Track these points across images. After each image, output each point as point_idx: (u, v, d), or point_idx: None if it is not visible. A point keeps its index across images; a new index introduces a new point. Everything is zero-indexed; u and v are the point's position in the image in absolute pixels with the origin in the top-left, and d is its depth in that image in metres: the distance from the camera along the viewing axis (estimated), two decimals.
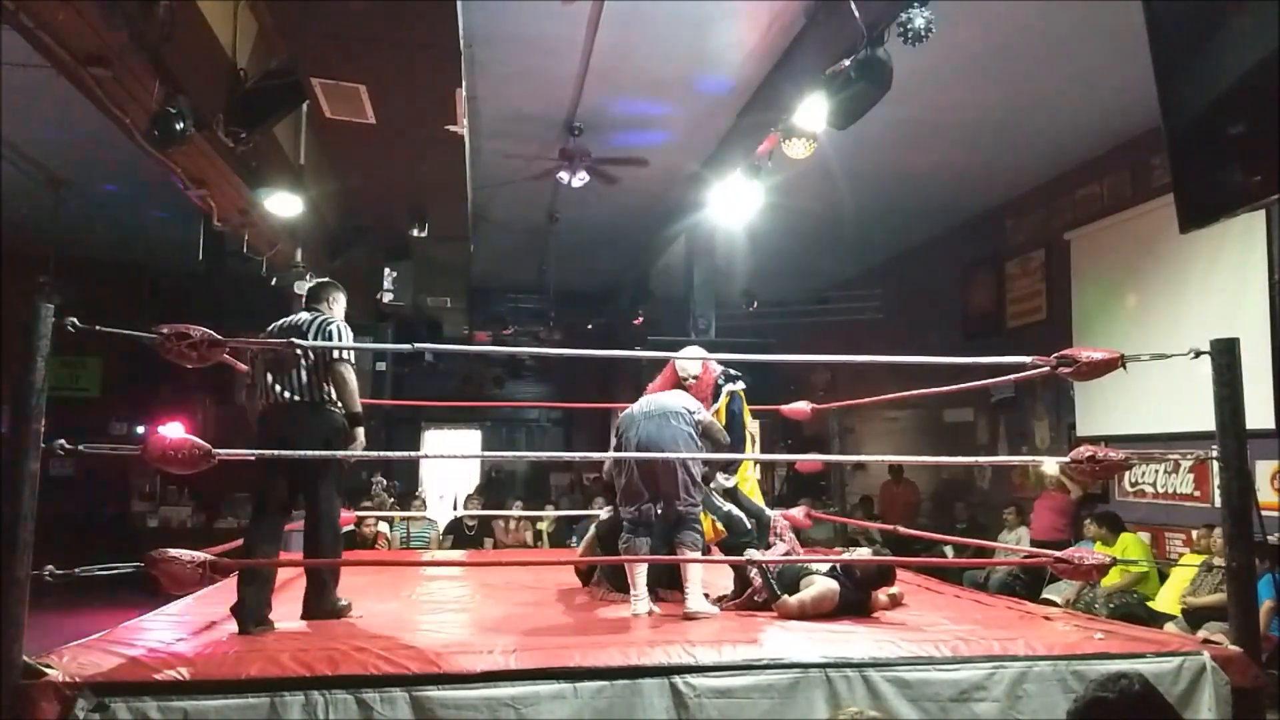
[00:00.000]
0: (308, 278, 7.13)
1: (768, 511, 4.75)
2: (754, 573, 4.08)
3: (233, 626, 3.47)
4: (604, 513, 5.05)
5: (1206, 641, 3.55)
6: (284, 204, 6.15)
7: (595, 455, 4.70)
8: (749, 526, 4.48)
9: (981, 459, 9.54)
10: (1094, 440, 6.72)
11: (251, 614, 3.45)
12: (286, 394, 3.75)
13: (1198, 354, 3.37)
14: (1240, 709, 3.11)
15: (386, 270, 8.83)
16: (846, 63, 4.89)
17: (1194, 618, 5.46)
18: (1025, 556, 6.72)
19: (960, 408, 10.14)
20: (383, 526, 8.39)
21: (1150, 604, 6.19)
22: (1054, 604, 6.02)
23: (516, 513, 10.19)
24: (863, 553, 4.51)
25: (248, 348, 3.95)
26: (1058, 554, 3.73)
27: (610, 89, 6.81)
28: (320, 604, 3.73)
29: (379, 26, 5.06)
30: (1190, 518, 6.82)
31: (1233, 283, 6.49)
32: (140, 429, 10.74)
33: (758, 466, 5.43)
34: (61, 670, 2.67)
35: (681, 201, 8.89)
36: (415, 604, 4.34)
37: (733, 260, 10.08)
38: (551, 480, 14.43)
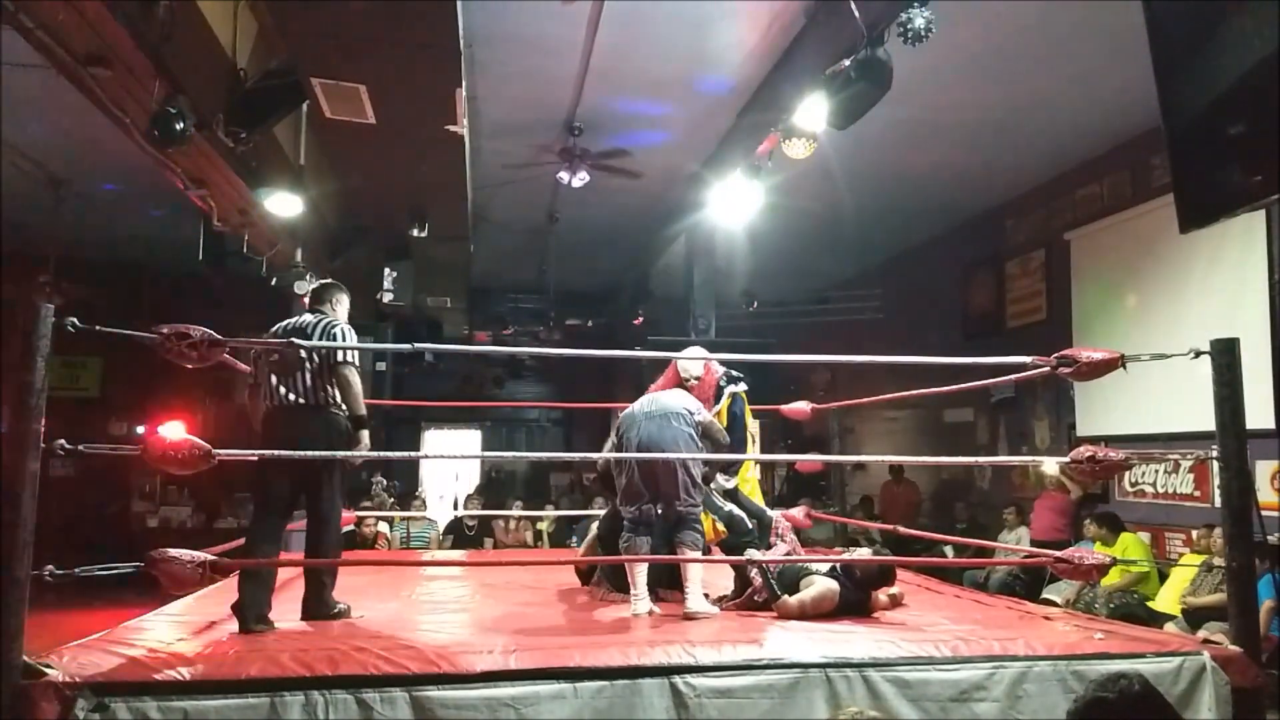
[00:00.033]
0: (308, 278, 7.14)
1: (769, 512, 4.75)
2: (754, 573, 4.08)
3: (233, 626, 3.47)
4: (604, 512, 5.06)
5: (1206, 641, 3.55)
6: (284, 204, 6.15)
7: (595, 455, 4.70)
8: (750, 526, 4.48)
9: (981, 459, 9.54)
10: (1094, 440, 6.72)
11: (252, 611, 3.46)
12: (291, 396, 3.75)
13: (1198, 354, 3.38)
14: (1240, 709, 3.11)
15: (386, 270, 8.83)
16: (846, 63, 4.89)
17: (1194, 618, 5.46)
18: (1025, 556, 6.72)
19: (960, 408, 10.14)
20: (383, 526, 8.39)
21: (1150, 604, 6.19)
22: (1054, 604, 6.03)
23: (516, 513, 10.19)
24: (863, 553, 4.51)
25: (251, 349, 3.96)
26: (1058, 554, 3.73)
27: (610, 89, 6.81)
28: (320, 605, 3.73)
29: (379, 26, 5.06)
30: (1190, 518, 6.82)
31: (1233, 283, 6.49)
32: (140, 429, 10.74)
33: (758, 466, 5.43)
34: (61, 670, 2.67)
35: (681, 201, 8.89)
36: (415, 604, 4.34)
37: (733, 260, 10.08)
38: (551, 480, 14.43)
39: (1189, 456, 6.23)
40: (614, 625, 3.82)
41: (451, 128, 6.28)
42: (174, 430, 8.86)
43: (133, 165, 6.58)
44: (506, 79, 6.66)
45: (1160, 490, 7.38)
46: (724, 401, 4.94)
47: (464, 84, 5.75)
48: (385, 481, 10.20)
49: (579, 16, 5.74)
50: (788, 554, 4.53)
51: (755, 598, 4.10)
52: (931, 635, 3.38)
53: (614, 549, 4.40)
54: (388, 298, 8.84)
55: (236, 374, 4.66)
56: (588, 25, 5.84)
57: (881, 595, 4.01)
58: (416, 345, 4.23)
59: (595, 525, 5.18)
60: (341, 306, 4.09)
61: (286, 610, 3.68)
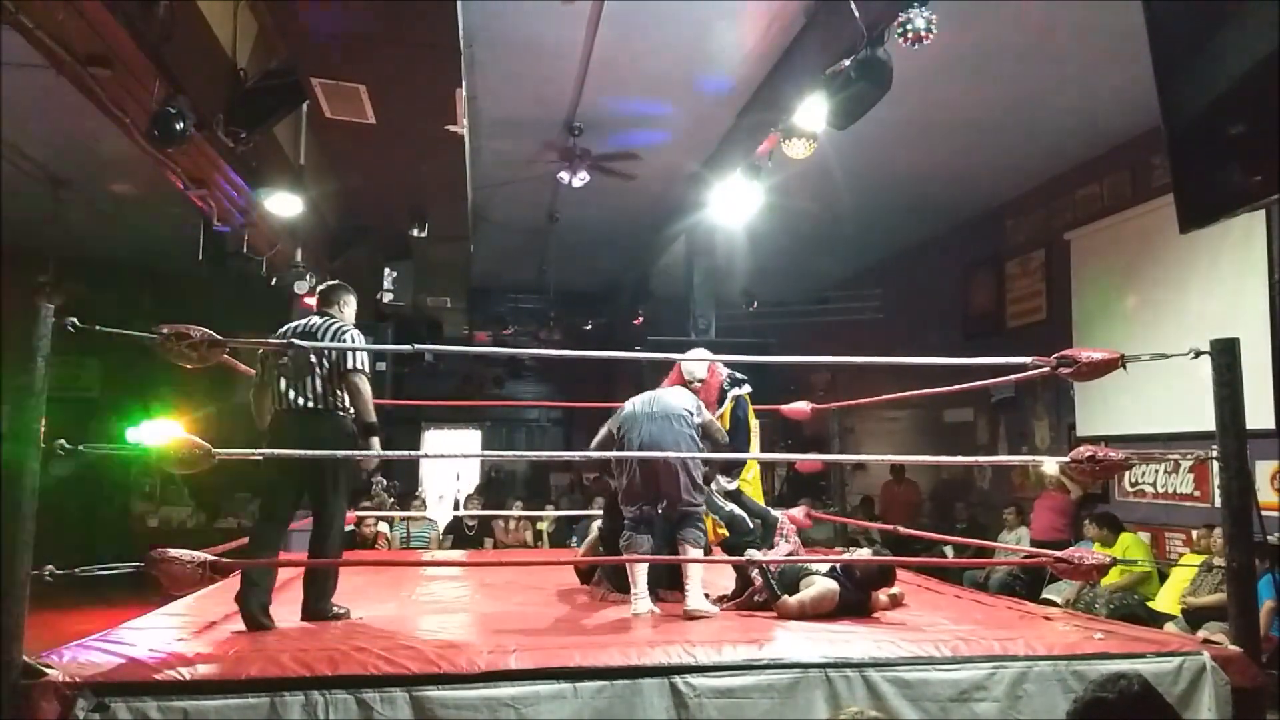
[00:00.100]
0: (308, 278, 7.14)
1: (773, 512, 4.75)
2: (754, 573, 4.08)
3: (232, 626, 3.47)
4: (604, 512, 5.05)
5: (1206, 641, 3.55)
6: (284, 204, 6.14)
7: (595, 455, 4.69)
8: (750, 526, 4.48)
9: (981, 459, 9.53)
10: (1094, 440, 6.72)
11: (255, 601, 3.47)
12: (299, 400, 3.74)
13: (1198, 354, 3.37)
14: (1240, 709, 3.11)
15: (386, 270, 8.83)
16: (846, 63, 4.89)
17: (1194, 618, 5.45)
18: (1025, 556, 6.72)
19: (960, 408, 10.14)
20: (383, 526, 8.39)
21: (1150, 604, 6.19)
22: (1054, 604, 6.03)
23: (516, 513, 10.19)
24: (863, 553, 4.51)
25: (257, 350, 3.96)
26: (1058, 554, 3.73)
27: (610, 89, 6.81)
28: (320, 608, 3.72)
29: (379, 26, 5.06)
30: (1190, 518, 6.82)
31: (1233, 283, 6.49)
32: (140, 429, 10.74)
33: (758, 466, 5.43)
34: (61, 670, 2.67)
35: (681, 201, 8.89)
36: (415, 604, 4.35)
37: (733, 260, 10.08)
38: (551, 480, 14.43)
39: (1189, 456, 6.23)
40: (614, 625, 3.82)
41: (451, 128, 6.29)
42: (174, 430, 8.86)
43: (132, 165, 6.58)
44: (506, 79, 6.66)
45: (1160, 490, 7.38)
46: (727, 405, 4.93)
47: (464, 84, 5.76)
48: (385, 481, 10.19)
49: (579, 16, 5.74)
50: (790, 554, 4.53)
51: (755, 598, 4.10)
52: (931, 635, 3.37)
53: (615, 548, 4.40)
54: (388, 298, 8.84)
55: (236, 374, 4.66)
56: (588, 25, 5.84)
57: (881, 595, 4.01)
58: (416, 345, 4.23)
59: (595, 525, 5.18)
60: (349, 308, 4.09)
61: (286, 611, 3.68)
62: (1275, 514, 5.67)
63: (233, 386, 10.34)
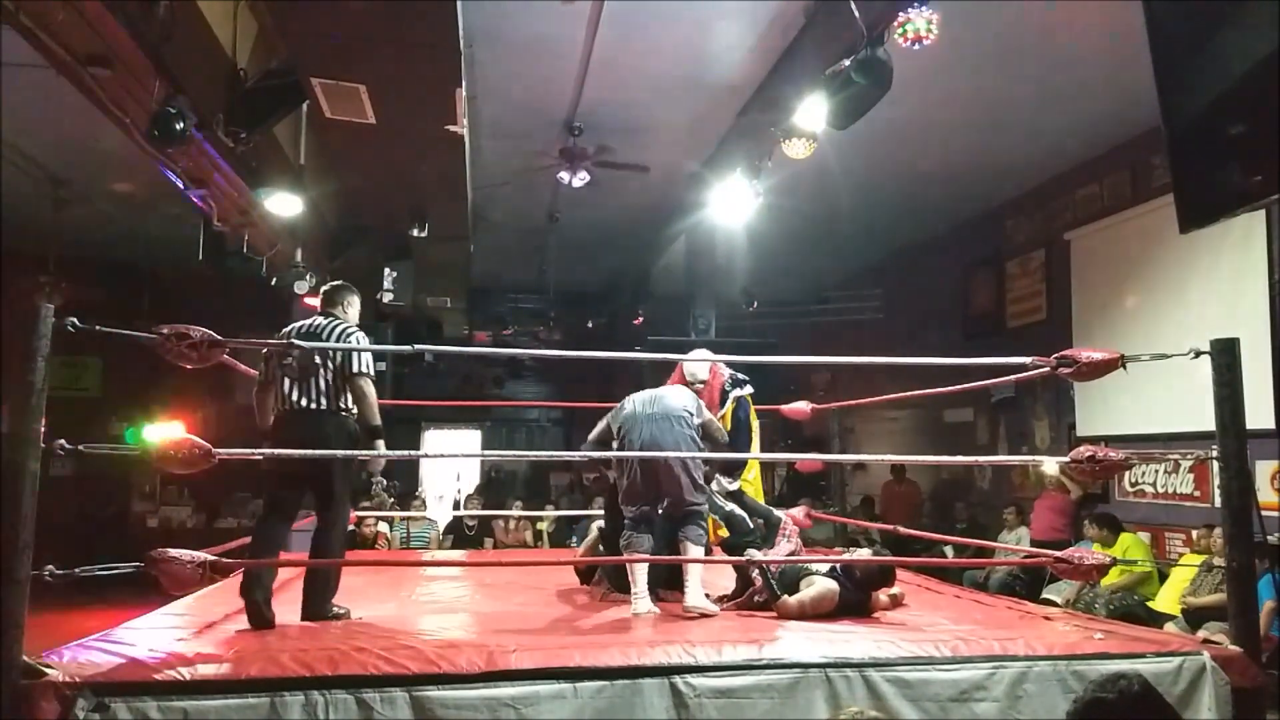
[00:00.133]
0: (308, 278, 7.14)
1: (776, 512, 4.75)
2: (754, 573, 4.08)
3: (232, 626, 3.48)
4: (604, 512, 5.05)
5: (1206, 641, 3.55)
6: (284, 204, 6.14)
7: (595, 455, 4.69)
8: (750, 526, 4.48)
9: (981, 459, 9.53)
10: (1094, 440, 6.72)
11: (260, 591, 3.49)
12: (303, 401, 3.74)
13: (1198, 354, 3.37)
14: (1240, 709, 3.11)
15: (386, 270, 8.83)
16: (846, 63, 4.89)
17: (1194, 618, 5.46)
18: (1025, 556, 6.72)
19: (960, 408, 10.14)
20: (383, 526, 8.40)
21: (1150, 604, 6.19)
22: (1054, 604, 6.03)
23: (516, 513, 10.19)
24: (863, 553, 4.51)
25: (258, 350, 3.96)
26: (1058, 554, 3.73)
27: (610, 89, 6.81)
28: (320, 608, 3.72)
29: (379, 26, 5.06)
30: (1190, 518, 6.82)
31: (1233, 283, 6.50)
32: (140, 429, 10.74)
33: (758, 466, 5.43)
34: (61, 670, 2.66)
35: (681, 201, 8.89)
36: (415, 604, 4.35)
37: (733, 260, 10.08)
38: (551, 480, 14.42)
39: (1189, 456, 6.23)
40: (614, 625, 3.81)
41: (451, 128, 6.28)
42: (174, 430, 8.87)
43: (132, 165, 6.58)
44: (506, 79, 6.66)
45: (1160, 490, 7.38)
46: (728, 406, 4.93)
47: (464, 84, 5.75)
48: (385, 481, 10.18)
49: (579, 16, 5.74)
50: (791, 554, 4.53)
51: (755, 598, 4.10)
52: (931, 635, 3.37)
53: (616, 547, 4.40)
54: (388, 298, 8.84)
55: (237, 374, 4.66)
56: (588, 25, 5.84)
57: (882, 595, 4.01)
58: (416, 345, 4.23)
59: (595, 525, 5.18)
60: (353, 309, 4.09)
61: (287, 611, 3.68)
62: (1275, 514, 5.67)
63: (232, 386, 10.41)
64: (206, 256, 6.73)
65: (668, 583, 4.35)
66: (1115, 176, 7.88)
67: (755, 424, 5.15)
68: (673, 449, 4.12)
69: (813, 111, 5.46)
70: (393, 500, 9.83)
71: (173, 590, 3.38)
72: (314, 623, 3.65)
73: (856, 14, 4.67)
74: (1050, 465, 7.35)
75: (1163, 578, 6.31)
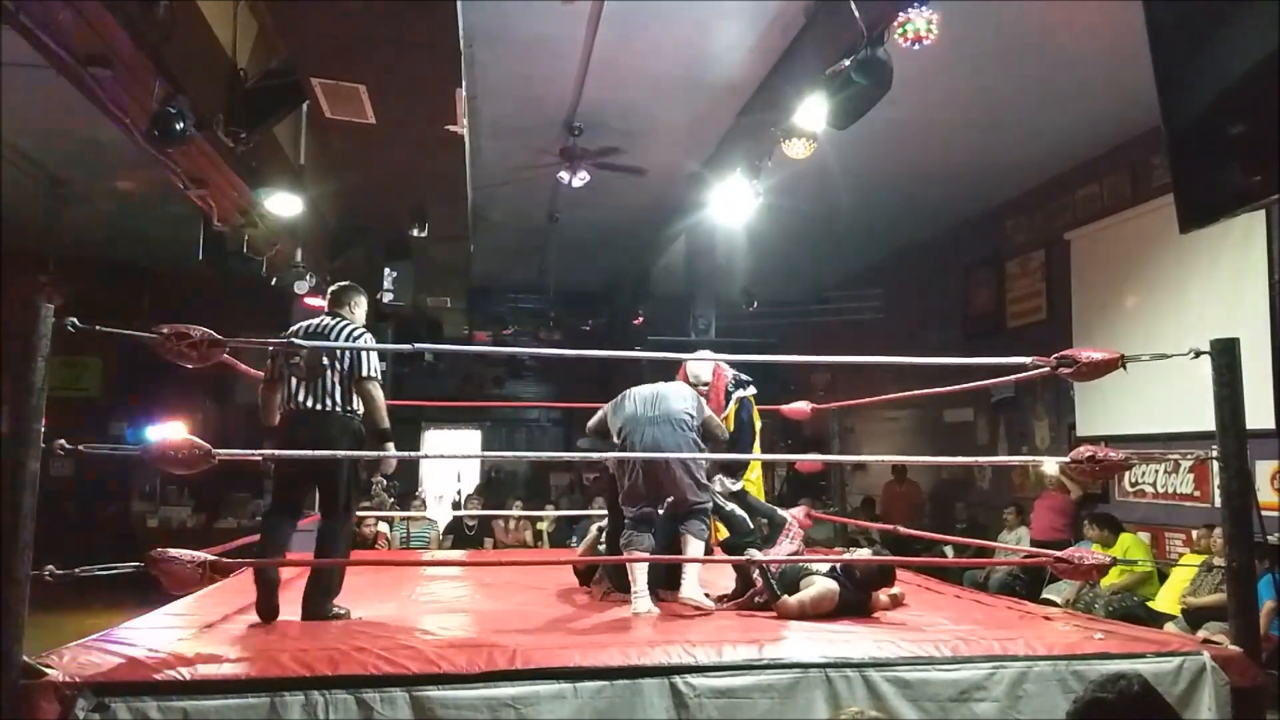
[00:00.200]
0: (308, 278, 7.14)
1: (780, 512, 4.75)
2: (755, 573, 4.08)
3: (232, 626, 3.48)
4: (604, 512, 5.06)
5: (1206, 641, 3.55)
6: (284, 204, 6.14)
7: (595, 455, 4.69)
8: (751, 526, 4.48)
9: (981, 459, 9.54)
10: (1094, 440, 6.72)
11: (270, 579, 3.54)
12: (310, 401, 3.74)
13: (1198, 354, 3.37)
14: (1240, 709, 3.11)
15: (386, 270, 8.83)
16: (846, 63, 4.89)
17: (1194, 618, 5.46)
18: (1025, 556, 6.72)
19: (960, 408, 10.14)
20: (383, 526, 8.40)
21: (1150, 604, 6.19)
22: (1054, 604, 6.03)
23: (516, 513, 10.20)
24: (863, 553, 4.51)
25: (260, 349, 3.96)
26: (1058, 554, 3.73)
27: (610, 89, 6.81)
28: (321, 608, 3.73)
29: (379, 26, 5.06)
30: (1190, 518, 6.82)
31: (1233, 283, 6.49)
32: (140, 429, 10.74)
33: (759, 466, 5.43)
34: (61, 670, 2.66)
35: (681, 201, 8.89)
36: (415, 604, 4.35)
37: (733, 260, 10.08)
38: (551, 480, 14.43)
39: (1189, 456, 6.23)
40: (614, 625, 3.81)
41: (451, 128, 6.29)
42: (174, 430, 8.87)
43: (132, 165, 6.58)
44: (506, 79, 6.66)
45: (1160, 490, 7.38)
46: (731, 407, 4.93)
47: (464, 84, 5.76)
48: (385, 481, 10.19)
49: (579, 16, 5.74)
50: (792, 554, 4.53)
51: (755, 598, 4.10)
52: (931, 635, 3.37)
53: (617, 546, 4.40)
54: (388, 298, 8.84)
55: (236, 373, 4.66)
56: (588, 25, 5.84)
57: (882, 595, 4.01)
58: (416, 345, 4.23)
59: (595, 525, 5.18)
60: (360, 309, 4.09)
61: (287, 611, 3.68)
62: (1275, 514, 5.67)
63: (233, 387, 10.41)
64: (206, 256, 6.73)
65: (668, 582, 4.35)
66: (1115, 176, 7.88)
67: (758, 425, 5.15)
68: (674, 451, 4.12)
69: (813, 111, 5.46)
70: (393, 500, 9.83)
71: (173, 590, 3.38)
72: (314, 622, 3.66)
73: (856, 14, 4.67)
74: (1050, 465, 7.35)
75: (1163, 578, 6.32)
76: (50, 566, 2.75)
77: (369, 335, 3.93)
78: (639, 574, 4.04)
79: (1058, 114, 7.14)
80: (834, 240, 10.66)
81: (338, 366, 3.75)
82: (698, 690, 2.88)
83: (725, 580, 4.59)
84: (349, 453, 3.77)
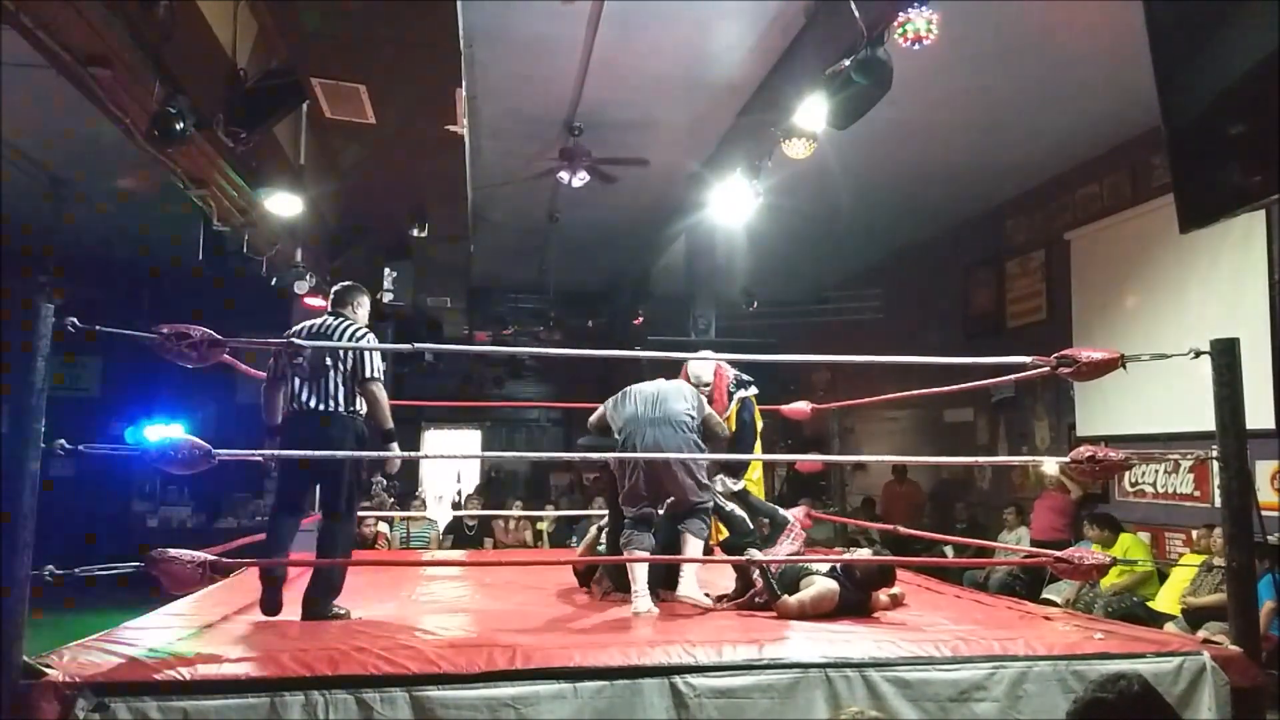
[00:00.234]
0: (308, 278, 7.14)
1: (782, 512, 4.75)
2: (755, 573, 4.08)
3: (232, 626, 3.48)
4: (603, 512, 5.06)
5: (1206, 641, 3.55)
6: (284, 204, 6.15)
7: (595, 455, 4.69)
8: (750, 527, 4.48)
9: (981, 459, 9.53)
10: (1094, 440, 6.72)
11: (278, 582, 3.56)
12: (313, 401, 3.75)
13: (1198, 354, 3.37)
14: (1240, 709, 3.11)
15: (386, 270, 8.83)
16: (846, 63, 4.89)
17: (1194, 618, 5.45)
18: (1025, 556, 6.72)
19: (960, 408, 10.14)
20: (383, 526, 8.40)
21: (1150, 604, 6.18)
22: (1054, 604, 6.03)
23: (516, 513, 10.20)
24: (863, 553, 4.51)
25: (260, 349, 3.97)
26: (1058, 554, 3.73)
27: (610, 89, 6.81)
28: (323, 607, 3.73)
29: (379, 26, 5.06)
30: (1190, 518, 6.82)
31: (1233, 283, 6.49)
32: (140, 429, 10.74)
33: (761, 466, 5.44)
34: (61, 670, 2.66)
35: (681, 201, 8.89)
36: (415, 604, 4.35)
37: (733, 260, 10.08)
38: (551, 480, 14.43)
39: (1189, 456, 6.23)
40: (614, 625, 3.81)
41: (451, 128, 6.29)
42: (174, 430, 8.87)
43: (132, 165, 6.58)
44: (506, 79, 6.66)
45: (1160, 490, 7.38)
46: (732, 407, 4.93)
47: (464, 84, 5.76)
48: (385, 481, 10.19)
49: (579, 16, 5.74)
50: (793, 554, 4.53)
51: (755, 598, 4.10)
52: (931, 635, 3.37)
53: (617, 546, 4.41)
54: (388, 298, 8.85)
55: (236, 373, 4.66)
56: (588, 25, 5.84)
57: (882, 595, 4.01)
58: (416, 345, 4.23)
59: (595, 525, 5.18)
60: (363, 309, 4.10)
61: (288, 610, 3.69)
62: (1275, 514, 5.67)
63: (233, 386, 10.41)
64: (206, 256, 6.73)
65: (667, 582, 4.35)
66: (1115, 176, 7.88)
67: (759, 425, 5.15)
68: (675, 453, 4.12)
69: (813, 111, 5.45)
70: (393, 500, 9.83)
71: (173, 590, 3.38)
72: (314, 622, 3.66)
73: (856, 14, 4.67)
74: (1050, 465, 7.35)
75: (1163, 578, 6.31)
76: (50, 566, 2.75)
77: (372, 336, 3.93)
78: (639, 574, 4.04)
79: (1058, 114, 7.14)
80: (834, 240, 10.66)
81: (341, 367, 3.76)
82: (698, 690, 2.88)
83: (725, 580, 4.59)
84: (353, 453, 3.78)
